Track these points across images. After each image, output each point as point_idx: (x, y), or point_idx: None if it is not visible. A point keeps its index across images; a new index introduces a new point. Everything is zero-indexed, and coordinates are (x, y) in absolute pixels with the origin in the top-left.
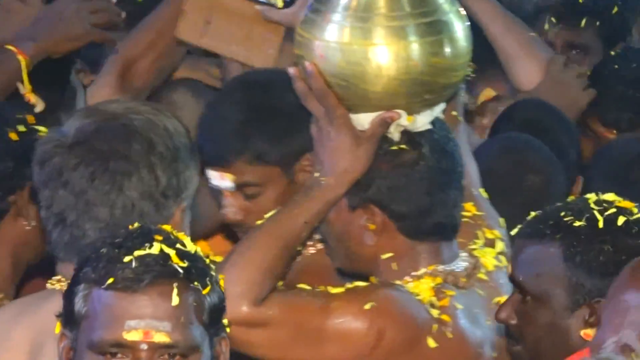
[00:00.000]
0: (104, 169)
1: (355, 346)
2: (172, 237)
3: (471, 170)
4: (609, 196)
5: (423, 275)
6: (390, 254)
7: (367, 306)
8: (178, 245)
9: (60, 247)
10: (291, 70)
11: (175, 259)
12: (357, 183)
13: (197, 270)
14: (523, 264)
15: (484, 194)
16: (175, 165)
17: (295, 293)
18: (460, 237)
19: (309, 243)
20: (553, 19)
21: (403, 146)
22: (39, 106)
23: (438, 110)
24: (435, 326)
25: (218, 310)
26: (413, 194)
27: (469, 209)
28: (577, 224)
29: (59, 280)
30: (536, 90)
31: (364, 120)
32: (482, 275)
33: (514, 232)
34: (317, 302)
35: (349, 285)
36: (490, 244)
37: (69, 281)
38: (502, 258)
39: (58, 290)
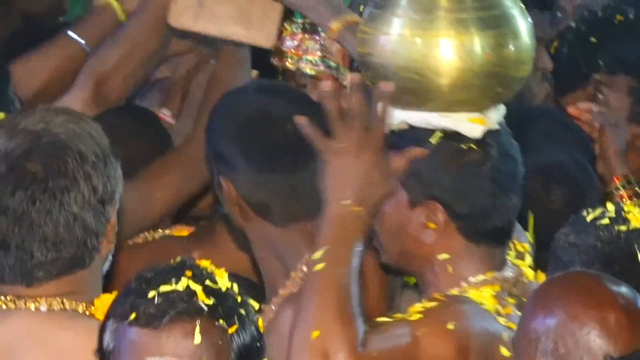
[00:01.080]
0: (44, 189)
1: None
2: (204, 272)
3: None
4: None
5: (482, 283)
6: (447, 255)
7: (450, 326)
8: (207, 282)
9: (6, 272)
10: (355, 79)
11: (201, 295)
12: (421, 179)
13: (225, 308)
14: None
15: None
16: (107, 169)
17: (383, 331)
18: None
19: None
20: None
21: (472, 145)
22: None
23: (502, 111)
24: (505, 334)
25: (250, 349)
26: (477, 194)
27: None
28: None
29: (12, 300)
30: None
31: (431, 118)
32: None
33: None
34: (405, 333)
35: (418, 308)
36: (520, 256)
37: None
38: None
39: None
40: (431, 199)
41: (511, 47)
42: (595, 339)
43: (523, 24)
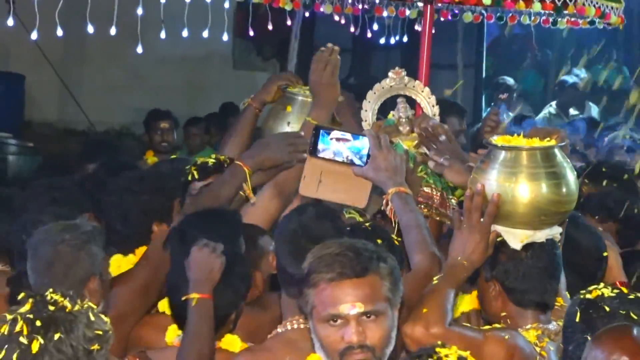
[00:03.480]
0: None
1: (498, 358)
2: None
3: (563, 280)
4: None
5: (529, 328)
6: (505, 313)
7: (506, 336)
8: None
9: None
10: (478, 188)
11: None
12: (491, 265)
13: None
14: None
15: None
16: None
17: (464, 327)
18: (554, 315)
19: None
20: None
21: (521, 250)
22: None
23: (553, 232)
24: (537, 357)
25: None
26: (525, 280)
27: (560, 301)
28: None
29: None
30: None
31: (511, 233)
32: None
33: None
34: (478, 332)
35: (489, 327)
36: None
37: None
38: None
39: None
40: (493, 278)
41: (564, 191)
42: None
43: (572, 177)
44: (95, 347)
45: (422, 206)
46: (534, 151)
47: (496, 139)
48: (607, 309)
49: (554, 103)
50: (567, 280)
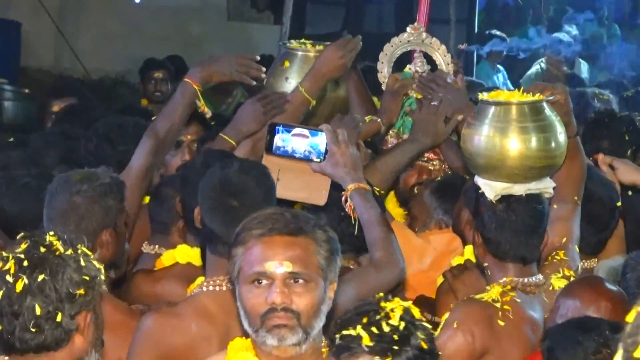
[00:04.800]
0: None
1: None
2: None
3: (575, 234)
4: None
5: (502, 283)
6: (486, 264)
7: (455, 324)
8: (373, 328)
9: None
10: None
11: (366, 340)
12: (474, 215)
13: (384, 347)
14: None
15: (577, 249)
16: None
17: None
18: (548, 269)
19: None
20: None
21: (496, 202)
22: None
23: (540, 186)
24: (500, 313)
25: None
26: (498, 232)
27: (560, 255)
28: None
29: None
30: None
31: (489, 185)
32: (550, 289)
33: None
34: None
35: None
36: (567, 278)
37: None
38: None
39: None
40: (477, 229)
41: (552, 145)
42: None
43: (560, 131)
44: (80, 291)
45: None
46: (523, 105)
47: (487, 95)
48: None
49: (544, 59)
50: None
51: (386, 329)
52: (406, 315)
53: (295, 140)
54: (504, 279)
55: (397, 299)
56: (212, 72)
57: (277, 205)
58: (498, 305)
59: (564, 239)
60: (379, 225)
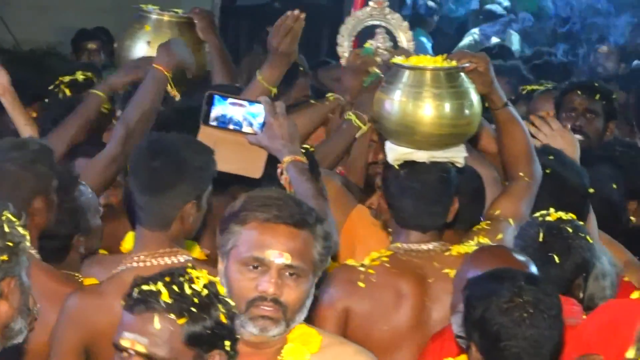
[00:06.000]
0: None
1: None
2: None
3: (519, 211)
4: None
5: (392, 248)
6: (390, 229)
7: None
8: (174, 286)
9: None
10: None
11: (164, 296)
12: (382, 183)
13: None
14: None
15: (512, 222)
16: None
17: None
18: (465, 237)
19: None
20: None
21: (397, 167)
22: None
23: (448, 155)
24: (362, 276)
25: (200, 336)
26: (400, 199)
27: (483, 225)
28: None
29: None
30: None
31: (401, 151)
32: (449, 254)
33: None
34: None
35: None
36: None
37: None
38: None
39: None
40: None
41: (466, 112)
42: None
43: (475, 97)
44: (3, 257)
45: None
46: (438, 72)
47: (402, 60)
48: (570, 230)
49: (477, 29)
50: None
51: (188, 290)
52: (211, 287)
53: (231, 109)
54: (397, 243)
55: (205, 271)
56: (179, 61)
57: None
58: (363, 269)
59: (497, 211)
60: (314, 198)
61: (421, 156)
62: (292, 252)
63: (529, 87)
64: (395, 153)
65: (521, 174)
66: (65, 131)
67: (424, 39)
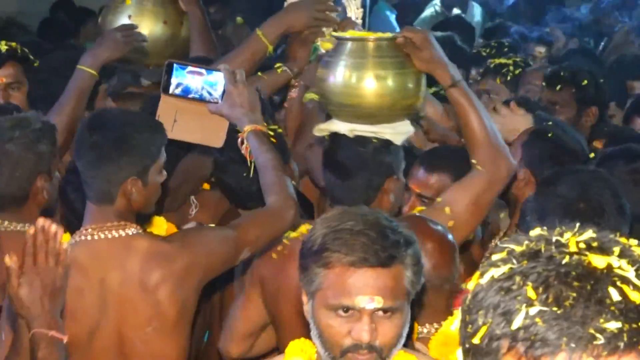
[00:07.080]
0: None
1: None
2: None
3: (451, 195)
4: None
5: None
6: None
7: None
8: None
9: None
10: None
11: None
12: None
13: None
14: None
15: (448, 211)
16: None
17: None
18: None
19: None
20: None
21: (327, 136)
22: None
23: (359, 128)
24: (280, 247)
25: None
26: (325, 172)
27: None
28: None
29: None
30: None
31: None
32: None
33: None
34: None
35: None
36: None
37: None
38: None
39: None
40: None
41: (409, 85)
42: None
43: (418, 73)
44: None
45: None
46: (380, 42)
47: (344, 33)
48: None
49: (438, 1)
50: None
51: None
52: None
53: (190, 78)
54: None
55: None
56: (107, 57)
57: (164, 150)
58: (286, 242)
59: (440, 199)
60: (273, 169)
61: (341, 127)
62: (384, 293)
63: (496, 61)
64: (320, 125)
65: (474, 161)
66: (61, 107)
67: (387, 12)
